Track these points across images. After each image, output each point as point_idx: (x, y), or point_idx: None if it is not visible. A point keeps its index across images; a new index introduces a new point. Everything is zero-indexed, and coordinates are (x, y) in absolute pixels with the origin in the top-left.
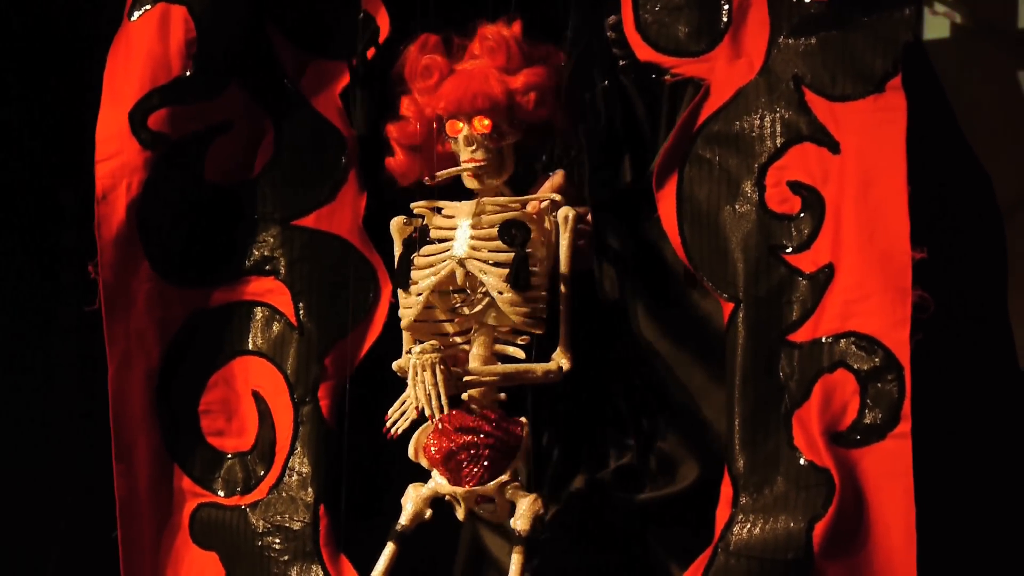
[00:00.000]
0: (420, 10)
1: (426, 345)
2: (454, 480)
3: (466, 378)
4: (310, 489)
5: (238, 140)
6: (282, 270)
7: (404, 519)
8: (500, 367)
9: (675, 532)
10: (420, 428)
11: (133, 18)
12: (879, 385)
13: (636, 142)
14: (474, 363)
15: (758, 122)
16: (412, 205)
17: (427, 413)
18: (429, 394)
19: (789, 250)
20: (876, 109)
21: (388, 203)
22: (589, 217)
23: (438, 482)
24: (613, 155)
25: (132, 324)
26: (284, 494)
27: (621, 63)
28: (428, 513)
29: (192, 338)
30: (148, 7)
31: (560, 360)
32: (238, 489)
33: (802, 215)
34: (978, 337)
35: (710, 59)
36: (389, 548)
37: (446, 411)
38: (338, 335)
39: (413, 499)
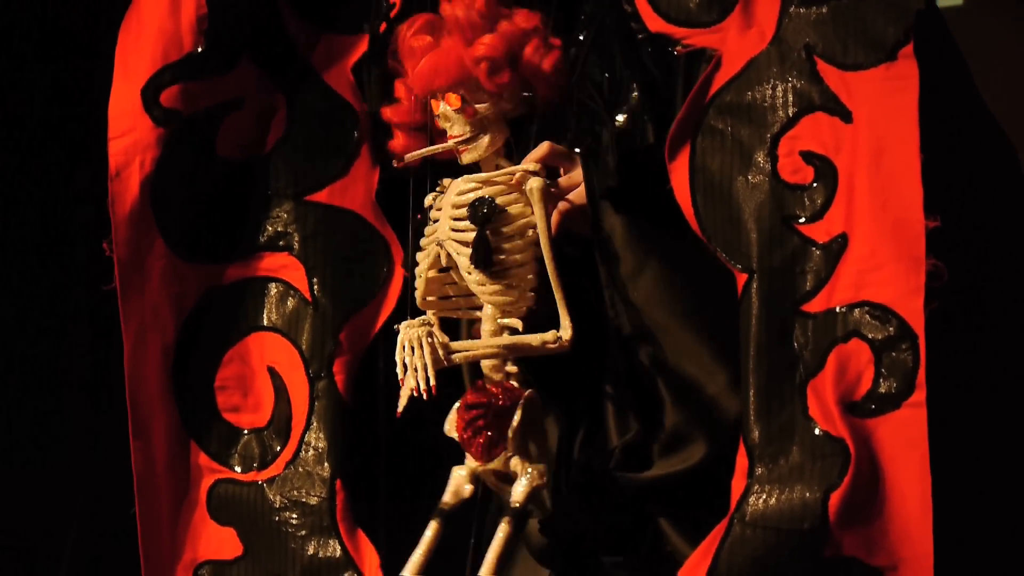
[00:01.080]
0: None
1: (415, 320)
2: (472, 456)
3: (454, 354)
4: (326, 464)
5: (250, 116)
6: (296, 245)
7: (446, 496)
8: (493, 340)
9: (683, 510)
10: (454, 406)
11: None
12: (893, 354)
13: (657, 109)
14: (484, 336)
15: (770, 92)
16: (442, 181)
17: (411, 387)
18: (416, 369)
19: (802, 220)
20: (888, 78)
21: (401, 178)
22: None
23: (469, 458)
24: (638, 124)
25: (147, 301)
26: (301, 469)
27: (640, 36)
28: (468, 490)
29: (207, 314)
30: None
31: (560, 331)
32: (255, 465)
33: (815, 185)
34: (998, 306)
35: (721, 29)
36: (432, 526)
37: (432, 384)
38: (352, 310)
39: (454, 477)
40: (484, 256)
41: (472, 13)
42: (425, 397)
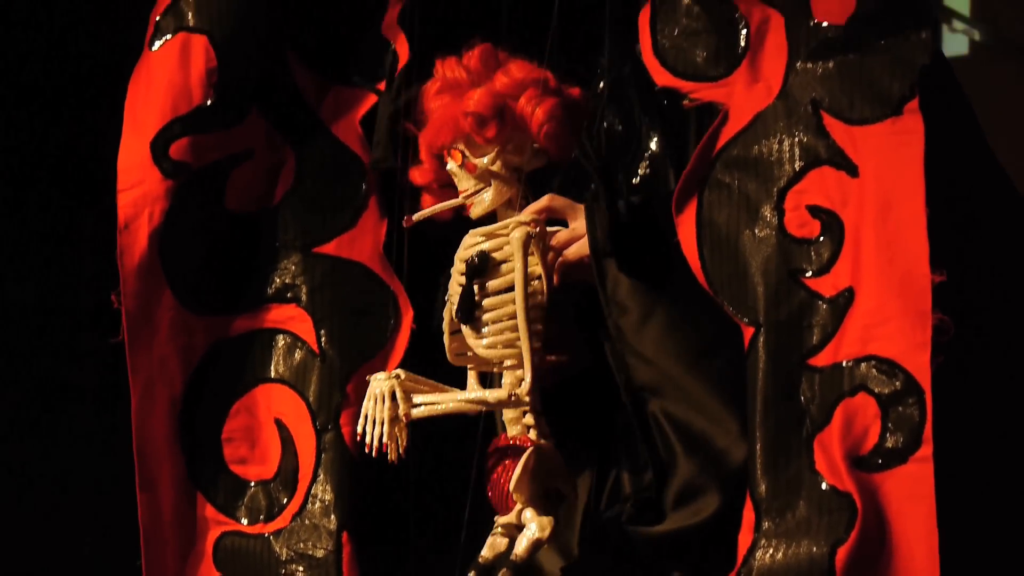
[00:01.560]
0: (443, 35)
1: (381, 375)
2: (498, 509)
3: (413, 411)
4: (333, 516)
5: (259, 168)
6: (303, 297)
7: (484, 550)
8: (451, 394)
9: (697, 564)
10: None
11: (154, 48)
12: (900, 409)
13: (677, 156)
14: (504, 389)
15: (777, 146)
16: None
17: (367, 441)
18: (374, 423)
19: (809, 274)
20: (894, 132)
21: (409, 230)
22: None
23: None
24: (659, 171)
25: (155, 353)
26: (307, 522)
27: (659, 88)
28: (504, 543)
29: (214, 366)
30: (169, 36)
31: (514, 387)
32: (261, 517)
33: (821, 239)
34: (1004, 360)
35: (728, 84)
36: None
37: (387, 440)
38: (360, 362)
39: (493, 530)
40: (466, 310)
41: (461, 71)
42: (375, 454)
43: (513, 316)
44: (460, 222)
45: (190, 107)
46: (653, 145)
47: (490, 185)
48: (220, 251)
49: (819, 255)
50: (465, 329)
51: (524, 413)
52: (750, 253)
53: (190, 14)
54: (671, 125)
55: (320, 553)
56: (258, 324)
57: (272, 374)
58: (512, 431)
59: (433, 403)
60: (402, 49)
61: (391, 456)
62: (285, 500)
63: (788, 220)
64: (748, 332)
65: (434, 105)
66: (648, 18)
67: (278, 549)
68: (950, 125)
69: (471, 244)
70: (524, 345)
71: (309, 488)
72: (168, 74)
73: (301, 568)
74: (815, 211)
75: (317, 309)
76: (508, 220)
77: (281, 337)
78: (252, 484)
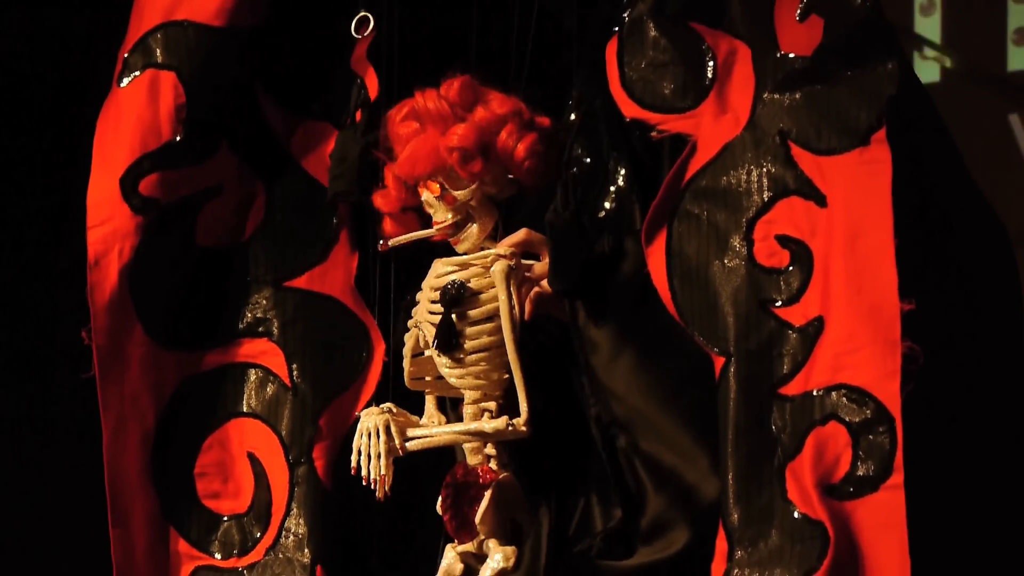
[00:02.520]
0: (412, 68)
1: (373, 409)
2: (455, 536)
3: (409, 442)
4: (307, 550)
5: (229, 203)
6: (275, 331)
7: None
8: (448, 427)
9: None
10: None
11: (122, 84)
12: (871, 437)
13: (644, 192)
14: (465, 419)
15: (745, 176)
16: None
17: (363, 474)
18: (370, 457)
19: (779, 303)
20: (862, 162)
21: (379, 262)
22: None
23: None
24: (625, 207)
25: (127, 389)
26: (281, 555)
27: (628, 119)
28: (459, 569)
29: (186, 401)
30: (137, 73)
31: (513, 419)
32: (235, 551)
33: (791, 268)
34: (996, 384)
35: (696, 115)
36: None
37: (384, 472)
38: (332, 395)
39: (446, 555)
40: (447, 340)
41: (443, 104)
42: (374, 487)
43: (490, 348)
44: (424, 251)
45: (159, 143)
46: (620, 180)
47: (466, 216)
48: (191, 286)
49: (788, 285)
50: (440, 359)
51: (486, 443)
52: (720, 283)
53: (158, 51)
54: (640, 160)
55: None
56: (230, 359)
57: (244, 408)
58: (472, 460)
59: (427, 436)
60: (371, 83)
61: (380, 493)
62: (258, 534)
63: (757, 250)
64: (719, 362)
65: (407, 134)
66: (615, 50)
67: None
68: (927, 151)
69: (442, 273)
70: (517, 376)
71: (282, 522)
72: (137, 110)
73: None
74: (784, 241)
75: (289, 343)
76: (484, 252)
77: (253, 371)
78: (225, 518)
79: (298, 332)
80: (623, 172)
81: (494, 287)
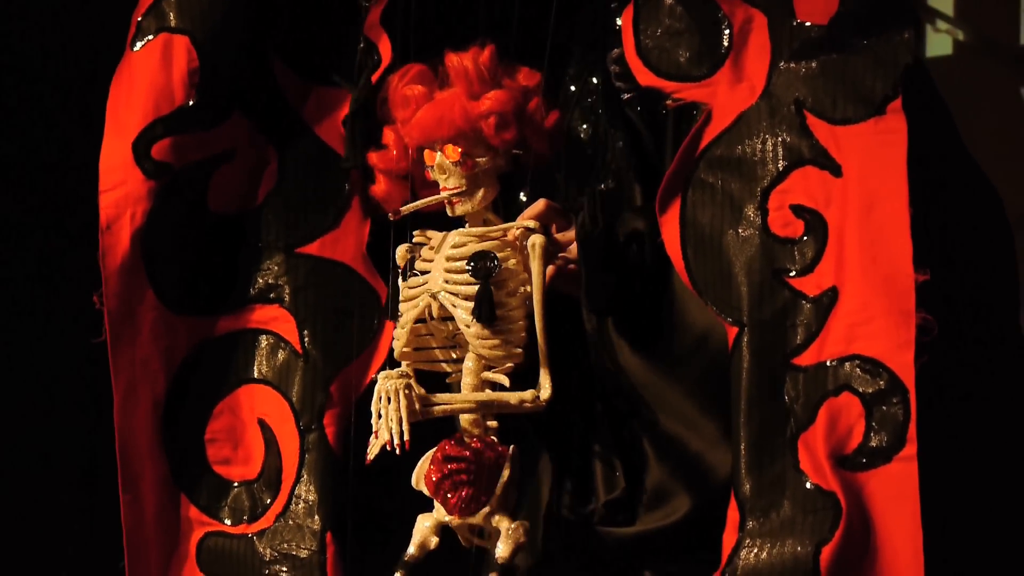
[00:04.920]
0: (411, 39)
1: (392, 372)
2: (446, 509)
3: (434, 407)
4: (317, 517)
5: (241, 168)
6: (286, 298)
7: (411, 548)
8: (472, 395)
9: (669, 565)
10: (424, 456)
11: (135, 48)
12: (884, 408)
13: (644, 170)
14: (464, 390)
15: (760, 146)
16: (415, 233)
17: (385, 440)
18: (391, 420)
19: (793, 273)
20: (877, 132)
21: (394, 229)
22: (574, 246)
23: (439, 511)
24: (623, 183)
25: (137, 354)
26: (291, 522)
27: (625, 96)
28: (434, 542)
29: (197, 367)
30: (150, 37)
31: (539, 391)
32: (245, 517)
33: (805, 238)
34: (992, 356)
35: (711, 84)
36: None
37: (407, 438)
38: (343, 362)
39: (419, 528)
40: (488, 310)
41: (480, 67)
42: (398, 451)
43: (516, 320)
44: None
45: (172, 108)
46: (618, 157)
47: (479, 186)
48: (203, 252)
49: (803, 254)
50: (469, 329)
51: (492, 415)
52: (734, 253)
53: (172, 15)
54: (639, 136)
55: (304, 553)
56: (241, 325)
57: (255, 374)
58: (473, 431)
59: (449, 403)
60: (384, 49)
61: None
62: (268, 500)
63: (772, 220)
64: (732, 332)
65: (416, 96)
66: (631, 18)
67: (262, 549)
68: (928, 126)
69: (461, 243)
70: (542, 350)
71: (293, 488)
72: (150, 75)
73: (285, 568)
74: (798, 211)
75: (300, 309)
76: (511, 224)
77: (264, 337)
78: (235, 484)
79: (309, 298)
80: (621, 148)
81: (514, 259)
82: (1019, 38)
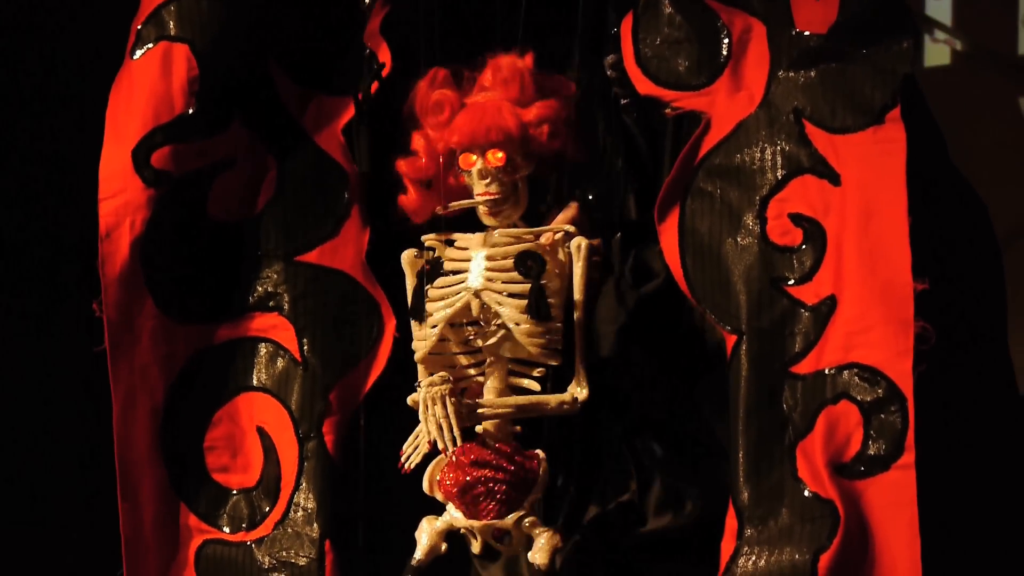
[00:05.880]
0: (423, 45)
1: (435, 378)
2: (470, 514)
3: (480, 410)
4: (316, 525)
5: (241, 177)
6: (286, 306)
7: (419, 553)
8: (514, 399)
9: (678, 566)
10: (434, 461)
11: (135, 56)
12: (882, 416)
13: (639, 178)
14: (489, 395)
15: (759, 155)
16: (423, 238)
17: (440, 447)
18: (441, 427)
19: (791, 282)
20: (876, 141)
21: (392, 238)
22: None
23: (453, 515)
24: (616, 191)
25: (136, 361)
26: (290, 530)
27: (623, 102)
28: (443, 547)
29: (196, 375)
30: (150, 45)
31: (575, 391)
32: (243, 525)
33: (804, 247)
34: (979, 365)
35: (710, 92)
36: None
37: (459, 444)
38: (342, 371)
39: (428, 532)
40: (544, 308)
41: (527, 75)
42: (453, 457)
43: (558, 321)
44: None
45: (172, 116)
46: (615, 165)
47: (516, 193)
48: (202, 260)
49: (801, 263)
50: (520, 327)
51: (512, 422)
52: (732, 261)
53: (172, 23)
54: (636, 144)
55: (303, 561)
56: (240, 333)
57: (254, 382)
58: (497, 434)
59: (491, 407)
60: (384, 57)
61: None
62: (267, 508)
63: (770, 228)
64: (730, 340)
65: (450, 98)
66: (630, 27)
67: (260, 557)
68: (916, 137)
69: (502, 243)
70: (579, 352)
71: (292, 496)
72: (150, 83)
73: None
74: (797, 219)
75: (299, 318)
76: (551, 227)
77: (263, 346)
78: (234, 492)
79: (309, 307)
80: (619, 158)
81: (551, 262)
82: (1017, 48)
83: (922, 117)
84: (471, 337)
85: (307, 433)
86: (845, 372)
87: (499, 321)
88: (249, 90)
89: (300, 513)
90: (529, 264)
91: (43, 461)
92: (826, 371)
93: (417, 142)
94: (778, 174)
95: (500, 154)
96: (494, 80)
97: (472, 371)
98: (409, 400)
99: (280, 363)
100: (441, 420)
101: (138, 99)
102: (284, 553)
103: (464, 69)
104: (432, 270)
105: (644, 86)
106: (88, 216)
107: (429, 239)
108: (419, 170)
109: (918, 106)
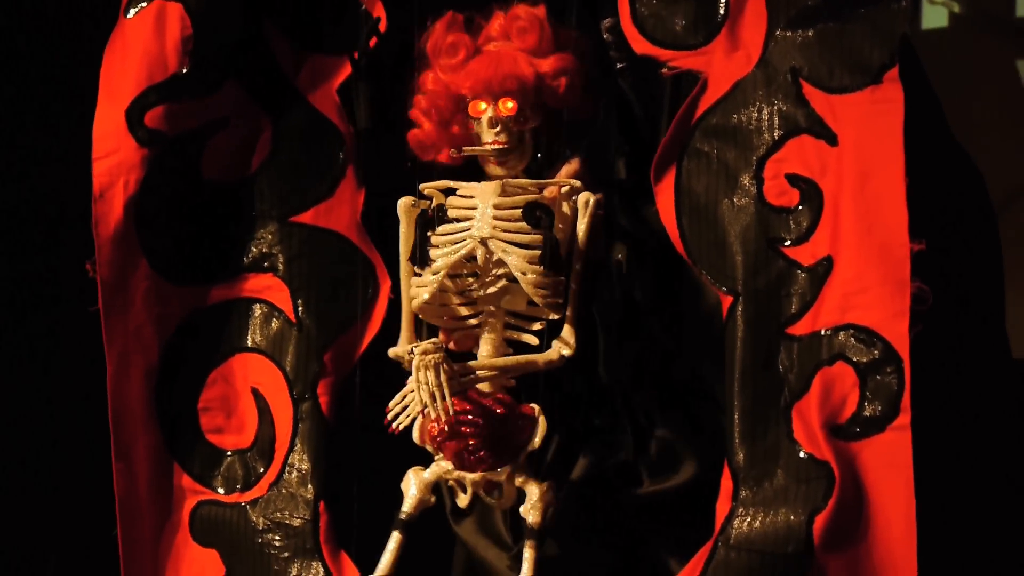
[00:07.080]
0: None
1: (427, 344)
2: (461, 465)
3: (466, 377)
4: (310, 486)
5: (235, 137)
6: (280, 267)
7: (408, 506)
8: (500, 360)
9: (674, 527)
10: (425, 414)
11: (129, 15)
12: (878, 377)
13: (632, 142)
14: (485, 347)
15: (756, 115)
16: (422, 186)
17: (432, 416)
18: (434, 395)
19: (788, 243)
20: (873, 101)
21: (387, 198)
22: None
23: (442, 466)
24: (608, 152)
25: (130, 322)
26: (284, 491)
27: (619, 66)
28: (432, 499)
29: (191, 335)
30: (144, 5)
31: (561, 348)
32: (238, 486)
33: (800, 208)
34: (975, 327)
35: (707, 52)
36: (395, 538)
37: (451, 413)
38: (337, 332)
39: (416, 484)
40: (556, 258)
41: (545, 24)
42: (445, 423)
43: (561, 274)
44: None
45: (165, 75)
46: (607, 127)
47: (523, 144)
48: (196, 220)
49: (798, 224)
50: (527, 277)
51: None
52: (729, 222)
53: None
54: (630, 107)
55: (297, 522)
56: (235, 293)
57: (249, 343)
58: (488, 389)
59: (483, 368)
60: (379, 13)
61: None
62: (262, 469)
63: (767, 189)
64: (726, 301)
65: (465, 41)
66: None
67: (255, 518)
68: (912, 99)
69: (511, 193)
70: (571, 307)
71: (286, 458)
72: (143, 42)
73: (278, 537)
74: (794, 180)
75: (294, 279)
76: (558, 180)
77: (258, 306)
78: (229, 453)
79: (303, 268)
80: (611, 119)
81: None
82: (1015, 10)
83: (918, 80)
84: (470, 288)
85: (301, 394)
86: (841, 333)
87: (501, 271)
88: (243, 50)
89: (294, 474)
90: (538, 215)
91: (36, 421)
92: (822, 332)
93: (433, 81)
94: (775, 134)
95: (511, 103)
96: (510, 29)
97: (469, 321)
98: (391, 352)
99: (275, 324)
100: (434, 388)
101: (132, 59)
102: (279, 514)
103: (477, 17)
104: (435, 216)
105: (640, 45)
106: (83, 176)
107: (427, 187)
108: (436, 108)
109: (914, 69)
